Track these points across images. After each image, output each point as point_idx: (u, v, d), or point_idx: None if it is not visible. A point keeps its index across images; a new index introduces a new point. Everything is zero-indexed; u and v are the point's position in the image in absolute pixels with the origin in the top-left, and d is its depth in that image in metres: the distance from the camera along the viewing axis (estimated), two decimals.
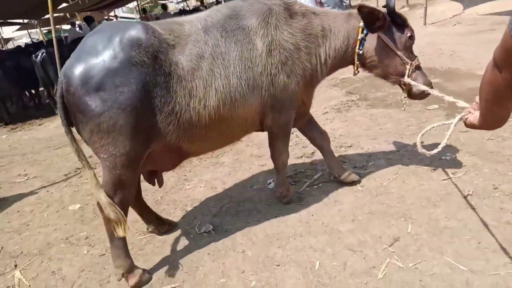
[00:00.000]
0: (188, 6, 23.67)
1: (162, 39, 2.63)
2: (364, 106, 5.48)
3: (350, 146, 4.27)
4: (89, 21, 12.23)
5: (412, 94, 3.17)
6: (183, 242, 3.17)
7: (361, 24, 3.05)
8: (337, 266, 2.59)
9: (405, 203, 3.10)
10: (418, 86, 3.00)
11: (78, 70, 2.47)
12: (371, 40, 3.08)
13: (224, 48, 2.77)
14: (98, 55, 2.48)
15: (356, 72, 3.24)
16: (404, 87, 3.16)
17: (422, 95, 3.13)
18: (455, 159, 3.60)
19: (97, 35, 2.61)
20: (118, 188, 2.65)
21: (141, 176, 3.10)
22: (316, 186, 3.62)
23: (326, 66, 3.13)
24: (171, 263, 2.94)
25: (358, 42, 3.09)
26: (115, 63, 2.47)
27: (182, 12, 10.10)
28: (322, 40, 3.07)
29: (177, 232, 3.33)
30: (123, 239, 2.79)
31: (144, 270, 2.84)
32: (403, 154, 3.88)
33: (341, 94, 6.21)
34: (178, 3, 31.95)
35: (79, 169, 5.22)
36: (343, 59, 3.18)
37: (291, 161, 4.18)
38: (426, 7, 11.13)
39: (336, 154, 4.09)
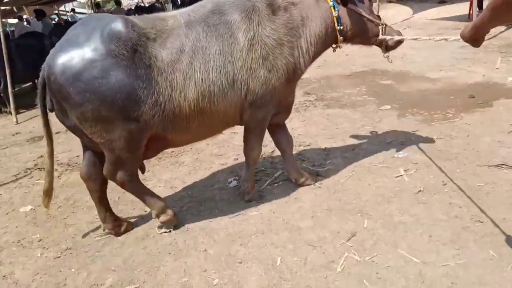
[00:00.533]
0: (143, 2, 23.15)
1: (142, 33, 2.69)
2: (321, 106, 5.63)
3: (309, 145, 4.37)
4: (39, 15, 11.65)
5: (390, 47, 3.44)
6: (143, 243, 3.12)
7: (330, 3, 3.16)
8: (298, 261, 2.65)
9: (361, 200, 3.22)
10: (396, 38, 3.36)
11: (60, 59, 2.57)
12: (344, 15, 3.23)
13: (205, 43, 2.82)
14: (80, 46, 2.57)
15: (339, 47, 3.38)
16: (382, 45, 3.44)
17: (398, 44, 3.45)
18: (407, 157, 3.79)
19: (80, 26, 2.72)
20: (119, 166, 2.87)
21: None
22: (276, 184, 3.67)
23: (309, 55, 3.17)
24: (131, 264, 2.88)
25: (335, 19, 3.20)
26: (94, 55, 2.55)
27: (138, 9, 9.88)
28: (303, 29, 3.11)
29: (137, 233, 3.27)
30: (145, 188, 3.20)
31: (175, 212, 3.22)
32: (359, 153, 4.03)
33: (299, 94, 6.32)
34: None
35: (29, 169, 4.98)
36: (325, 42, 3.26)
37: None
38: (378, 11, 11.58)
39: (295, 152, 4.18)
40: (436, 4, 11.98)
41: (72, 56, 2.55)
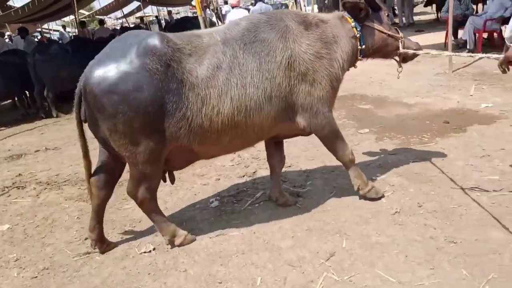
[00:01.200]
0: (127, 22, 23.33)
1: (177, 49, 2.80)
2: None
3: (290, 166, 4.44)
4: (22, 32, 11.63)
5: (408, 58, 3.67)
6: (122, 263, 3.10)
7: (352, 24, 3.34)
8: (277, 281, 2.68)
9: (340, 220, 3.29)
10: (414, 52, 3.59)
11: (96, 71, 2.70)
12: (367, 33, 3.41)
13: (242, 59, 2.93)
14: (116, 60, 2.70)
15: (355, 66, 3.56)
16: (398, 58, 3.65)
17: (413, 56, 3.67)
18: (384, 179, 3.90)
19: (119, 41, 2.89)
20: (142, 181, 2.96)
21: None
22: (257, 205, 3.72)
23: (344, 70, 3.34)
24: (109, 284, 2.85)
25: (358, 39, 3.36)
26: (130, 69, 2.67)
27: (123, 29, 9.97)
28: (336, 46, 3.25)
29: (116, 253, 3.25)
30: (159, 211, 3.20)
31: (187, 233, 3.23)
32: (338, 174, 4.12)
33: None
34: (117, 19, 31.33)
35: (7, 187, 4.90)
36: (352, 59, 3.42)
37: (233, 180, 4.27)
38: None
39: None
40: (414, 33, 12.43)
41: (109, 69, 2.68)
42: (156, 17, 23.17)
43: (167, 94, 2.73)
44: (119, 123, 2.69)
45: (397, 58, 3.68)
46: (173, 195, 4.16)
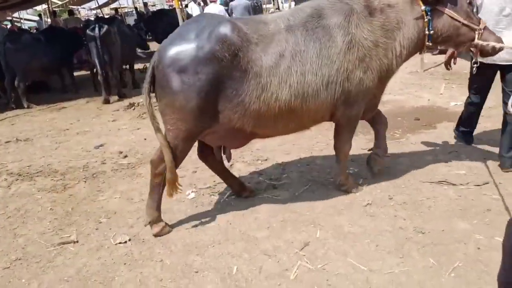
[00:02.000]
0: (102, 13, 22.81)
1: (246, 38, 2.90)
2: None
3: (266, 160, 4.50)
4: None
5: (486, 52, 3.32)
6: (98, 254, 3.08)
7: (423, 7, 3.16)
8: (253, 270, 2.74)
9: (314, 212, 3.38)
10: (491, 44, 3.20)
11: (169, 51, 2.87)
12: (437, 18, 3.20)
13: (304, 47, 2.98)
14: (188, 42, 2.85)
15: (424, 52, 3.43)
16: (474, 51, 3.36)
17: (494, 51, 3.30)
18: (357, 173, 4.01)
19: (193, 24, 3.02)
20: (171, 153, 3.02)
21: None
22: (234, 197, 3.75)
23: (401, 57, 3.26)
24: (84, 275, 2.84)
25: (426, 24, 3.18)
26: (200, 53, 2.81)
27: (99, 20, 9.75)
28: (397, 32, 3.18)
29: (91, 244, 3.23)
30: (160, 195, 3.23)
31: (166, 224, 3.29)
32: (313, 168, 4.21)
33: None
34: (90, 10, 30.58)
35: None
36: (417, 45, 3.29)
37: (210, 173, 4.28)
38: None
39: (253, 167, 4.31)
40: None
41: (180, 50, 2.84)
42: (136, 8, 22.71)
43: (230, 80, 2.87)
44: (178, 100, 2.86)
45: (473, 49, 3.37)
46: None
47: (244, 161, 4.53)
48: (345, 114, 3.28)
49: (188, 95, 2.84)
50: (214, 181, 4.08)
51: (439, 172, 3.88)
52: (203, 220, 3.41)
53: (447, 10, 3.20)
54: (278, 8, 34.13)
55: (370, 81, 3.16)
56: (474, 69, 3.52)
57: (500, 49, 3.27)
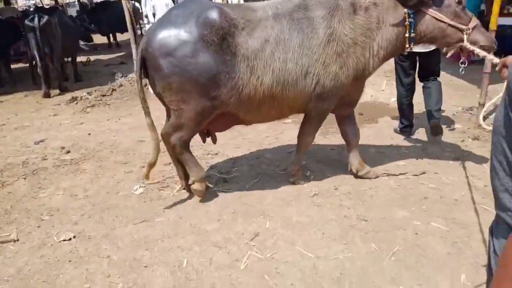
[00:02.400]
0: (42, 3, 21.55)
1: (233, 24, 3.01)
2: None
3: (216, 154, 4.51)
4: None
5: (475, 55, 3.14)
6: (40, 252, 2.95)
7: (406, 9, 3.09)
8: (204, 262, 2.75)
9: (264, 203, 3.44)
10: (478, 52, 3.05)
11: (159, 34, 2.98)
12: (420, 20, 3.13)
13: (288, 35, 3.07)
14: (177, 26, 2.96)
15: (408, 51, 3.30)
16: (464, 51, 3.20)
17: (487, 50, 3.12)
18: (305, 165, 4.12)
19: (182, 8, 3.11)
20: (178, 130, 3.24)
21: None
22: (184, 191, 3.73)
23: (379, 58, 3.26)
24: (26, 273, 2.71)
25: (407, 27, 3.13)
26: (188, 37, 2.93)
27: (38, 9, 9.23)
28: (377, 32, 3.17)
29: (32, 242, 3.08)
30: (192, 158, 3.46)
31: (208, 186, 3.54)
32: (263, 161, 4.28)
33: None
34: None
35: None
36: (395, 47, 3.25)
37: (158, 167, 4.22)
38: None
39: (203, 161, 4.29)
40: None
41: (170, 34, 2.95)
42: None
43: (221, 64, 2.98)
44: (173, 83, 2.99)
45: (462, 51, 3.25)
46: (94, 183, 4.02)
47: (194, 155, 4.48)
48: (316, 107, 3.35)
49: (182, 79, 2.96)
50: (163, 176, 4.03)
51: (381, 164, 4.08)
52: (152, 215, 3.36)
53: (432, 11, 3.10)
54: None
55: (345, 77, 3.21)
56: (461, 69, 3.28)
57: (492, 48, 3.13)
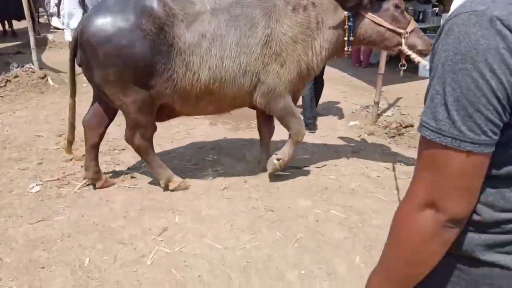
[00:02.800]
0: None
1: (171, 14, 2.96)
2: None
3: (124, 149, 4.34)
4: None
5: (412, 59, 3.25)
6: None
7: (345, 12, 3.11)
8: (107, 260, 2.65)
9: (173, 198, 3.41)
10: (413, 57, 3.18)
11: (95, 21, 2.88)
12: (359, 24, 3.16)
13: (225, 31, 3.04)
14: (114, 14, 2.88)
15: (347, 53, 3.32)
16: (402, 55, 3.27)
17: (421, 54, 3.22)
18: (216, 159, 4.17)
19: None
20: (136, 129, 3.22)
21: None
22: (87, 188, 3.54)
23: (321, 58, 3.29)
24: None
25: (347, 30, 3.16)
26: (126, 25, 2.86)
27: None
28: (317, 32, 3.16)
29: None
30: (157, 159, 3.44)
31: (183, 180, 3.54)
32: (174, 156, 4.23)
33: None
34: None
35: None
36: (336, 48, 3.29)
37: (58, 164, 3.97)
38: None
39: (110, 157, 4.13)
40: None
41: (106, 22, 2.86)
42: None
43: (158, 55, 2.93)
44: (111, 73, 2.92)
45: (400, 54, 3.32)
46: None
47: (100, 150, 4.28)
48: (273, 107, 3.34)
49: (118, 68, 2.90)
50: (64, 172, 3.78)
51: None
52: (50, 214, 3.14)
53: (370, 15, 3.15)
54: None
55: (287, 74, 3.22)
56: (401, 71, 3.37)
57: (426, 54, 3.23)
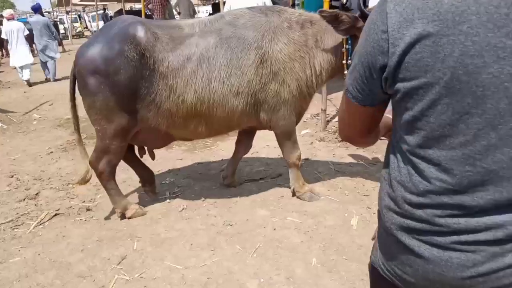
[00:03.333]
0: None
1: (154, 38, 3.02)
2: (91, 144, 5.57)
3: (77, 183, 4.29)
4: None
5: None
6: None
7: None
8: None
9: (132, 225, 3.41)
10: None
11: (87, 51, 3.02)
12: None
13: (213, 53, 3.05)
14: (101, 44, 3.00)
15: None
16: None
17: None
18: (173, 182, 4.21)
19: (109, 26, 3.21)
20: (104, 155, 3.25)
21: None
22: (42, 226, 3.49)
23: (321, 78, 3.26)
24: None
25: (345, 53, 3.11)
26: (111, 54, 2.95)
27: None
28: (316, 51, 3.12)
29: None
30: (116, 187, 3.46)
31: (139, 206, 3.57)
32: (130, 184, 4.23)
33: (66, 134, 6.12)
34: None
35: None
36: (334, 71, 3.27)
37: (11, 205, 3.89)
38: None
39: (63, 192, 4.09)
40: None
41: (95, 52, 2.98)
42: None
43: (141, 79, 3.00)
44: (98, 100, 3.01)
45: None
46: None
47: (53, 187, 4.23)
48: (274, 125, 3.34)
49: (105, 96, 2.99)
50: (17, 214, 3.70)
51: (244, 171, 4.38)
52: (5, 256, 3.07)
53: None
54: (86, 27, 32.39)
55: (288, 93, 3.18)
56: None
57: None
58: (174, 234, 3.26)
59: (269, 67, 3.10)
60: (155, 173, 4.40)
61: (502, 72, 0.84)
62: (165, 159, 4.84)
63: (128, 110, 3.08)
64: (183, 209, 3.63)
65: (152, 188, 3.87)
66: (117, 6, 22.13)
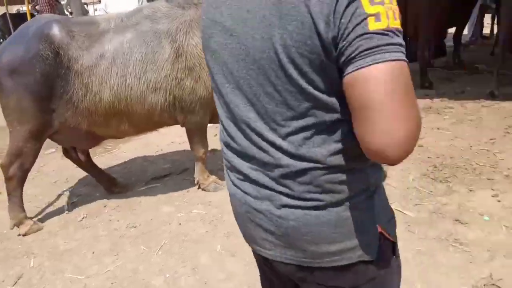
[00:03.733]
0: None
1: (68, 37, 2.96)
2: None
3: None
4: None
5: None
6: None
7: None
8: None
9: (27, 242, 3.21)
10: None
11: (3, 52, 2.98)
12: None
13: (128, 49, 2.97)
14: (17, 44, 2.98)
15: None
16: None
17: None
18: (72, 191, 4.01)
19: (26, 26, 3.12)
20: (18, 157, 3.11)
21: None
22: None
23: None
24: None
25: None
26: (26, 53, 2.90)
27: None
28: None
29: None
30: (20, 197, 3.25)
31: (34, 222, 3.35)
32: (25, 198, 3.92)
33: None
34: None
35: None
36: None
37: None
38: None
39: None
40: None
41: (10, 52, 2.95)
42: None
43: (57, 78, 2.94)
44: (12, 101, 2.95)
45: None
46: None
47: None
48: (188, 120, 3.32)
49: (20, 96, 2.92)
50: None
51: (149, 171, 4.32)
52: None
53: None
54: None
55: (203, 90, 3.15)
56: None
57: None
58: (74, 244, 3.14)
59: (184, 62, 3.06)
60: (50, 184, 4.19)
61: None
62: (61, 168, 4.60)
63: (43, 111, 3.01)
64: (83, 218, 3.50)
65: (120, 185, 3.86)
66: (1, 10, 20.17)
